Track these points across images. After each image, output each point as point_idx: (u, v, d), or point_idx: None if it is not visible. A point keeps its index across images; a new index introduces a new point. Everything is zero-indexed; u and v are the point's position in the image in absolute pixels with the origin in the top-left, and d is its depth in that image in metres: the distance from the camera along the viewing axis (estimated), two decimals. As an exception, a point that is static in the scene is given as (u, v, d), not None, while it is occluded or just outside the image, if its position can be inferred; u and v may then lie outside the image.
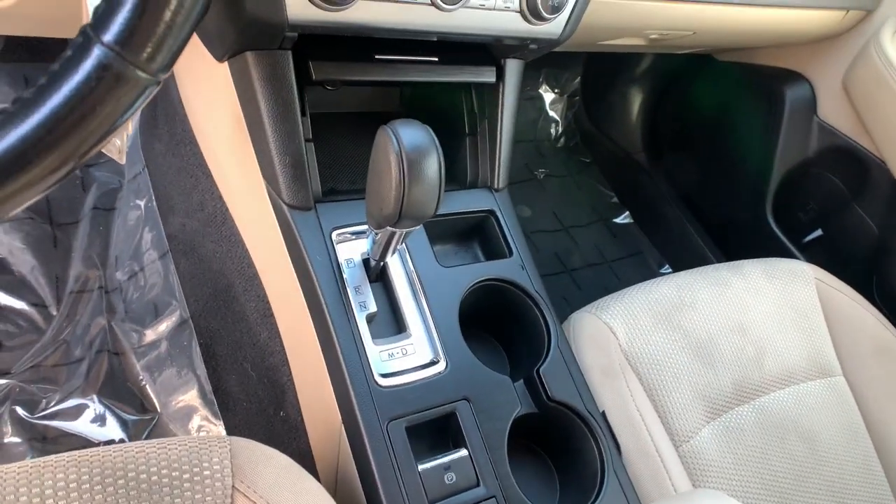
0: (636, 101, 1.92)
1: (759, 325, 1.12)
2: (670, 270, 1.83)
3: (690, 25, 1.15)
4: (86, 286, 1.22)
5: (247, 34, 0.72)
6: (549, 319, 0.91)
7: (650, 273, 1.82)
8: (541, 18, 0.81)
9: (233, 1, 0.68)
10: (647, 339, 1.02)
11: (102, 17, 0.41)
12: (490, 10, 0.78)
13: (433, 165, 0.64)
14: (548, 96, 2.05)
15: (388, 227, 0.69)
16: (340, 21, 0.71)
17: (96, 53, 0.40)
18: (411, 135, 0.64)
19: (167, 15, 0.41)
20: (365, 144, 0.96)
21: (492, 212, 0.96)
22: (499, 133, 0.96)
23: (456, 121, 1.00)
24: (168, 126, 1.18)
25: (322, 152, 0.92)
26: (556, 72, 2.01)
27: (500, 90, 0.95)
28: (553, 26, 0.84)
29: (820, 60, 1.50)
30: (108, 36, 0.40)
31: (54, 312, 1.17)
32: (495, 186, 0.97)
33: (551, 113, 2.05)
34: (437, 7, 0.74)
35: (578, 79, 2.04)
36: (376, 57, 0.83)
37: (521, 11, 0.80)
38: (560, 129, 2.05)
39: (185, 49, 0.44)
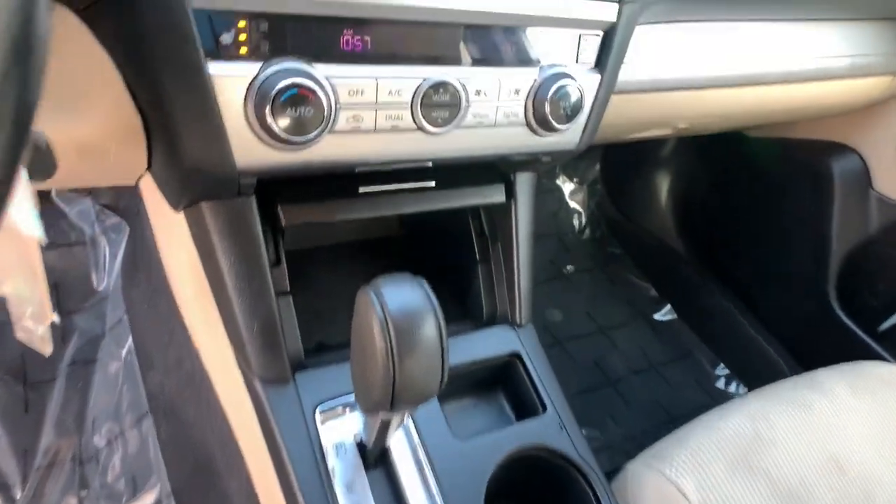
0: (663, 184, 1.78)
1: (859, 457, 0.91)
2: (727, 372, 1.61)
3: (727, 112, 1.01)
4: (57, 458, 1.06)
5: (193, 184, 0.59)
6: (598, 490, 0.72)
7: (704, 376, 1.60)
8: (552, 130, 0.67)
9: (170, 149, 0.55)
10: (725, 492, 0.82)
11: None
12: (490, 127, 0.64)
13: (430, 332, 0.49)
14: (567, 186, 1.91)
15: (382, 413, 0.53)
16: (305, 161, 0.57)
17: None
18: (399, 296, 0.49)
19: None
20: (361, 281, 0.81)
21: (517, 355, 0.78)
22: (515, 258, 0.81)
23: (465, 245, 0.85)
24: (145, 272, 1.05)
25: (307, 298, 0.77)
26: (572, 161, 1.89)
27: (513, 209, 0.80)
28: (567, 136, 0.70)
29: (868, 129, 1.34)
30: None
31: (18, 495, 1.01)
32: (518, 322, 0.81)
33: (572, 203, 1.91)
34: (424, 131, 0.60)
35: (598, 166, 1.91)
36: (361, 190, 0.70)
37: (527, 124, 0.67)
38: (584, 220, 1.90)
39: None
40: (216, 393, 0.85)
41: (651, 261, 1.81)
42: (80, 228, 1.31)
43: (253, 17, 0.50)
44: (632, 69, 0.79)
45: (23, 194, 0.37)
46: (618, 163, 1.87)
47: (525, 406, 0.77)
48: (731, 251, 1.65)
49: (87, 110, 0.54)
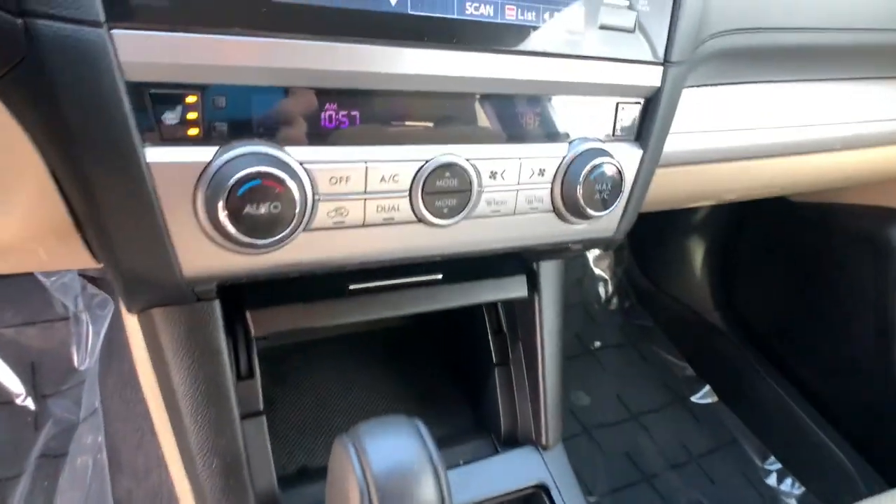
0: (697, 250, 1.64)
1: None
2: (778, 466, 1.42)
3: (782, 182, 0.88)
4: (11, 576, 0.92)
5: (135, 292, 0.47)
6: None
7: (752, 470, 1.42)
8: (585, 217, 0.54)
9: (102, 252, 0.44)
10: None
11: None
12: (508, 215, 0.52)
13: (428, 497, 0.36)
14: (591, 251, 1.78)
15: None
16: (273, 266, 0.45)
17: None
18: (386, 450, 0.37)
19: None
20: (357, 383, 0.68)
21: (543, 487, 0.64)
22: (539, 363, 0.67)
23: (480, 343, 0.72)
24: (118, 360, 0.94)
25: (288, 408, 0.64)
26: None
27: (536, 304, 0.67)
28: (603, 223, 0.58)
29: (933, 195, 1.21)
30: None
31: None
32: (543, 442, 0.67)
33: (597, 270, 1.77)
34: (427, 223, 0.48)
35: (625, 231, 1.78)
36: (351, 287, 0.57)
37: (554, 210, 0.54)
38: (610, 288, 1.76)
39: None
40: None
41: (686, 335, 1.65)
42: (63, 303, 1.21)
43: (207, 90, 0.39)
44: (676, 138, 0.67)
45: None
46: (647, 227, 1.74)
47: (553, 552, 0.62)
48: (778, 327, 1.49)
49: (4, 206, 0.44)
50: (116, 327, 0.98)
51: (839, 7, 0.74)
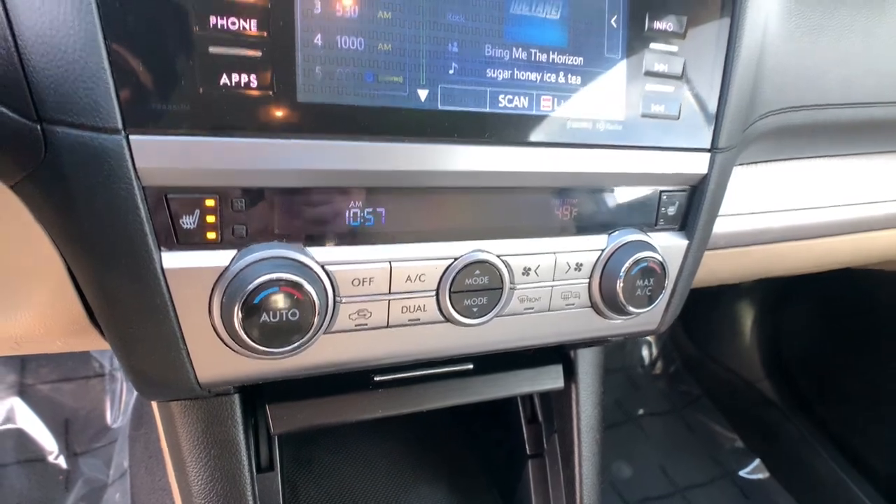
0: (747, 315, 1.57)
1: None
2: (839, 554, 1.31)
3: (839, 259, 0.82)
4: None
5: (152, 390, 0.45)
6: None
7: (810, 558, 1.31)
8: (626, 314, 0.51)
9: (116, 350, 0.42)
10: None
11: None
12: (541, 312, 0.49)
13: None
14: (634, 312, 1.72)
15: None
16: (292, 369, 0.43)
17: None
18: None
19: None
20: (384, 470, 0.65)
21: None
22: (577, 458, 0.63)
23: (513, 432, 0.68)
24: (147, 427, 0.92)
25: (313, 496, 0.61)
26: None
27: (573, 394, 0.63)
28: (646, 318, 0.54)
29: None
30: None
31: None
32: (579, 545, 0.62)
33: (640, 332, 1.70)
34: (455, 323, 0.46)
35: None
36: (376, 379, 0.55)
37: (593, 306, 0.51)
38: (654, 352, 1.69)
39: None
40: None
41: (734, 404, 1.56)
42: (98, 361, 1.22)
43: (225, 193, 0.38)
44: (724, 221, 0.63)
45: None
46: (694, 290, 1.67)
47: None
48: (838, 402, 1.39)
49: (23, 301, 0.43)
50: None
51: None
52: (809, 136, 0.69)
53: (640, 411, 1.54)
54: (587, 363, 0.64)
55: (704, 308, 1.63)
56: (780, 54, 0.55)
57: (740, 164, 0.65)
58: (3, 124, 0.32)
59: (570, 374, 0.63)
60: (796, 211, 0.70)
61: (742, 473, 1.47)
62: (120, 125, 0.34)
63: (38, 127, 0.33)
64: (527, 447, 0.66)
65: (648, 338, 1.70)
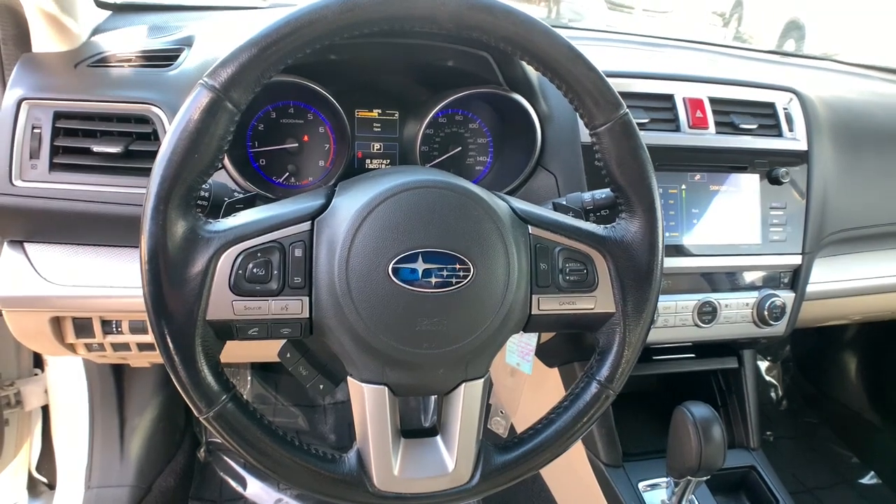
0: (852, 361, 2.07)
1: None
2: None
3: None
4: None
5: None
6: None
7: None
8: (767, 325, 1.16)
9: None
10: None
11: None
12: (734, 323, 1.15)
13: (718, 433, 0.97)
14: (762, 364, 2.28)
15: (688, 477, 1.00)
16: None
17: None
18: (701, 412, 0.99)
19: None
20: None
21: (753, 468, 1.21)
22: (747, 406, 1.26)
23: (708, 397, 1.33)
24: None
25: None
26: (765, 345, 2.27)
27: (742, 375, 1.28)
28: (777, 328, 1.19)
29: None
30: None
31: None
32: (751, 446, 1.24)
33: (769, 378, 2.26)
34: (697, 325, 1.13)
35: (788, 347, 2.27)
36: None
37: (752, 321, 1.17)
38: (780, 393, 2.22)
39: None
40: None
41: (849, 431, 2.06)
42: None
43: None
44: (816, 286, 1.27)
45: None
46: (807, 344, 2.22)
47: None
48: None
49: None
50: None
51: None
52: (878, 240, 1.31)
53: (771, 435, 2.08)
54: (749, 358, 1.27)
55: (817, 357, 2.17)
56: (836, 195, 1.21)
57: (823, 257, 1.29)
58: None
59: (741, 363, 1.27)
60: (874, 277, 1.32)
61: (859, 481, 1.96)
62: None
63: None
64: (718, 401, 1.30)
65: (774, 381, 2.24)
